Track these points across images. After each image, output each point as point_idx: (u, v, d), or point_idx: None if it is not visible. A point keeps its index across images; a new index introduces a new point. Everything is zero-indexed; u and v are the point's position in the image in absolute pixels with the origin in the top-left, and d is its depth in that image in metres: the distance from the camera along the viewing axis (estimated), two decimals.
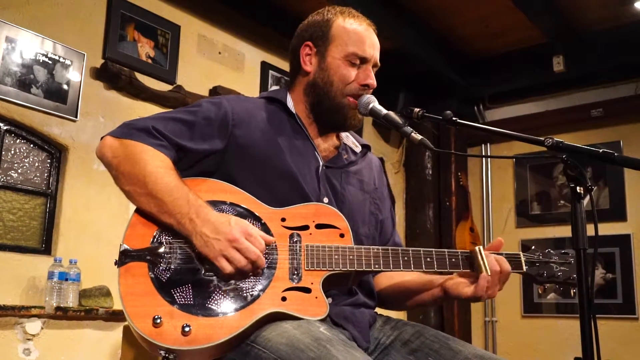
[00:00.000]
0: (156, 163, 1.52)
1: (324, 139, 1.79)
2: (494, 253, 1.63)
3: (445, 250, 1.63)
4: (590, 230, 1.33)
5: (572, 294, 1.71)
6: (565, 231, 5.30)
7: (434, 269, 1.60)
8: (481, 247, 1.60)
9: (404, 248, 1.63)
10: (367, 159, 1.89)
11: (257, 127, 1.68)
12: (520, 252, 1.69)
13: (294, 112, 1.76)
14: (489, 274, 1.57)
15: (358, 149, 1.86)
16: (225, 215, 1.48)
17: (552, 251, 1.71)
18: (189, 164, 1.62)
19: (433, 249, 1.62)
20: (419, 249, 1.61)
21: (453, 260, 1.61)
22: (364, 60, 1.72)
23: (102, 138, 1.61)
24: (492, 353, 1.60)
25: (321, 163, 1.71)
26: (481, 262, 1.57)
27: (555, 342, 5.29)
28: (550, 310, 5.47)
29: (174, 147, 1.58)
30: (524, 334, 5.53)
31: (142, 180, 1.50)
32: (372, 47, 1.74)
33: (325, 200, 1.66)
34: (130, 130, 1.58)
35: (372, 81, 1.72)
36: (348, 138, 1.87)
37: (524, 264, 1.67)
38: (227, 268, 1.42)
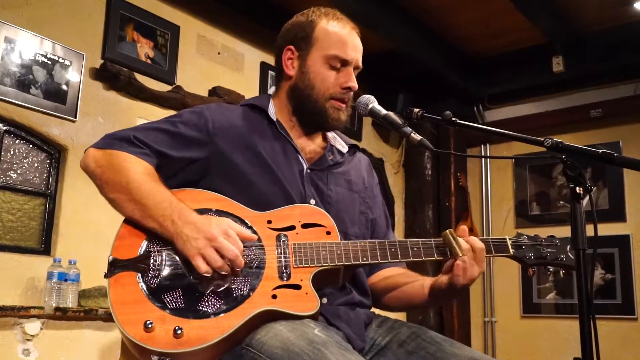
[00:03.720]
0: (139, 170, 1.56)
1: (308, 141, 1.79)
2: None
3: (432, 239, 1.62)
4: (589, 230, 1.33)
5: (561, 274, 1.72)
6: (564, 232, 5.22)
7: (422, 258, 1.60)
8: (451, 230, 1.59)
9: (390, 240, 1.63)
10: (355, 158, 1.89)
11: (238, 134, 1.69)
12: (507, 237, 1.70)
13: (275, 118, 1.76)
14: (462, 254, 1.56)
15: (345, 149, 1.86)
16: (207, 217, 1.50)
17: (538, 235, 1.73)
18: (171, 173, 1.64)
19: (420, 239, 1.62)
20: (405, 239, 1.62)
21: (440, 248, 1.61)
22: (345, 63, 1.72)
23: (85, 151, 1.65)
24: (490, 356, 1.60)
25: (305, 166, 1.72)
26: (454, 245, 1.57)
27: (555, 343, 5.29)
28: (549, 310, 5.47)
29: (155, 155, 1.61)
30: (524, 334, 5.53)
31: (126, 187, 1.53)
32: (354, 49, 1.74)
33: (312, 202, 1.67)
34: (111, 141, 1.61)
35: (353, 84, 1.73)
36: (335, 139, 1.87)
37: (510, 247, 1.68)
38: (203, 268, 1.42)
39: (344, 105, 1.74)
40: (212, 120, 1.68)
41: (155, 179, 1.56)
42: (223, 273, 1.44)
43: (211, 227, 1.44)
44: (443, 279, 1.62)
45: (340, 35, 1.73)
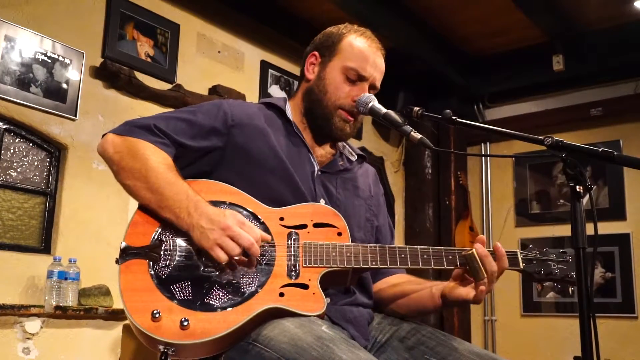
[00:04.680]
0: (157, 159, 1.57)
1: (320, 145, 1.82)
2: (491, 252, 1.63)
3: (442, 247, 1.63)
4: (589, 229, 1.33)
5: (570, 292, 1.73)
6: (564, 230, 5.30)
7: (431, 266, 1.60)
8: (475, 251, 1.57)
9: (401, 246, 1.63)
10: (363, 167, 1.93)
11: (255, 129, 1.71)
12: (518, 250, 1.70)
13: (291, 119, 1.80)
14: (486, 277, 1.57)
15: (354, 157, 1.89)
16: (221, 209, 1.51)
17: (549, 250, 1.72)
18: (187, 162, 1.66)
19: (430, 247, 1.62)
20: (416, 246, 1.62)
21: (450, 257, 1.61)
22: (361, 78, 1.75)
23: (103, 135, 1.65)
24: (490, 352, 1.61)
25: (316, 168, 1.75)
26: (479, 267, 1.56)
27: (555, 341, 5.29)
28: (549, 309, 5.47)
29: (174, 145, 1.63)
30: (524, 333, 5.53)
31: (144, 175, 1.54)
32: (373, 67, 1.77)
33: (322, 202, 1.68)
34: (132, 128, 1.63)
35: None
36: (345, 147, 1.90)
37: (521, 262, 1.68)
38: (223, 257, 1.44)
39: (351, 119, 1.77)
40: (232, 113, 1.71)
41: (173, 169, 1.57)
42: (241, 261, 1.46)
43: (226, 217, 1.46)
44: (458, 292, 1.62)
45: (363, 51, 1.76)
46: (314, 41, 1.86)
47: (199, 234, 1.46)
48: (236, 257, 1.45)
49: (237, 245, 1.44)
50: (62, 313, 3.10)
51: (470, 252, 1.57)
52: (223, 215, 1.47)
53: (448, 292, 1.65)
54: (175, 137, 1.63)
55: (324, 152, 1.82)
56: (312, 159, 1.75)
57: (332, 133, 1.78)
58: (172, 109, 3.84)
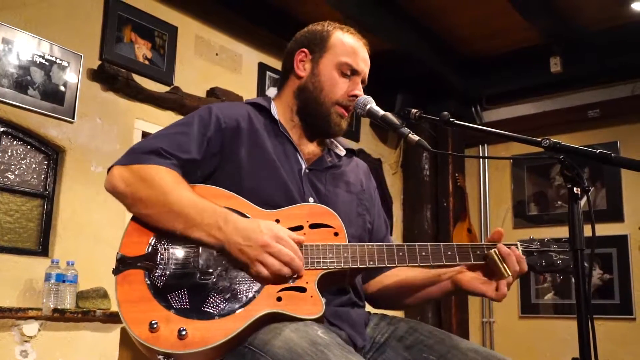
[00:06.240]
0: (174, 181, 1.54)
1: (307, 143, 1.82)
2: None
3: (441, 244, 1.61)
4: (587, 231, 1.33)
5: (573, 281, 1.69)
6: (562, 232, 5.30)
7: (429, 263, 1.60)
8: (497, 251, 1.57)
9: (398, 243, 1.63)
10: (353, 162, 1.92)
11: (243, 131, 1.71)
12: (517, 242, 1.67)
13: (277, 118, 1.79)
14: (509, 275, 1.56)
15: (343, 152, 1.89)
16: (253, 221, 1.50)
17: (551, 239, 1.69)
18: (195, 176, 1.64)
19: (428, 243, 1.61)
20: (413, 243, 1.61)
21: (449, 253, 1.60)
22: (354, 72, 1.77)
23: (108, 170, 1.61)
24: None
25: (304, 166, 1.74)
26: (500, 266, 1.56)
27: (553, 343, 5.29)
28: (547, 310, 5.47)
29: (182, 163, 1.61)
30: (522, 334, 5.54)
31: (164, 200, 1.51)
32: (364, 62, 1.80)
33: (311, 200, 1.68)
34: (137, 155, 1.59)
35: (360, 92, 1.77)
36: (333, 143, 1.89)
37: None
38: (264, 272, 1.44)
39: (347, 114, 1.78)
40: (223, 115, 1.71)
41: (189, 187, 1.55)
42: (282, 274, 1.45)
43: (262, 233, 1.45)
44: (478, 286, 1.62)
45: (354, 46, 1.79)
46: (298, 38, 1.85)
47: (237, 250, 1.45)
48: (277, 272, 1.45)
49: (278, 261, 1.44)
50: (60, 316, 3.10)
51: (492, 251, 1.58)
52: (259, 231, 1.45)
53: (466, 283, 1.64)
54: (181, 155, 1.60)
55: (312, 149, 1.81)
56: (300, 157, 1.75)
57: (329, 129, 1.78)
58: (170, 112, 3.85)
